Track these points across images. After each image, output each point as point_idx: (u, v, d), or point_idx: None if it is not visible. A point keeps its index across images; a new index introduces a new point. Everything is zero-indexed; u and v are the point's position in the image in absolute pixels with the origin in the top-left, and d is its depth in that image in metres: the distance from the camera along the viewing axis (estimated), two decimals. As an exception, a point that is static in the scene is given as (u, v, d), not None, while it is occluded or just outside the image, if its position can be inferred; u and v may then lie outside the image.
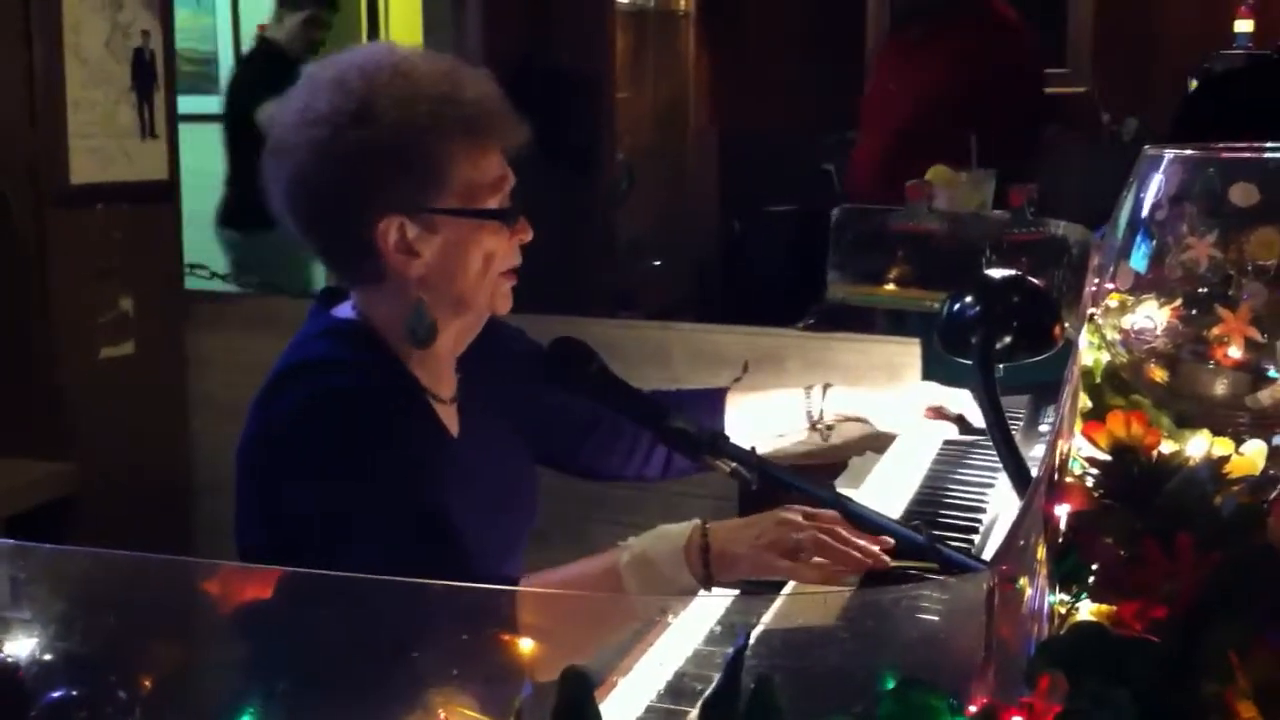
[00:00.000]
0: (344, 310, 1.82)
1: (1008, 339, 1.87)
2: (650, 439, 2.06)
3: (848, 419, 2.12)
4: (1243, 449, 1.40)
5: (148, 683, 0.91)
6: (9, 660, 0.91)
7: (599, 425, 2.07)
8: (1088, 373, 1.57)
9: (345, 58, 1.77)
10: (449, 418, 1.84)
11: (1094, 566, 1.11)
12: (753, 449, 1.69)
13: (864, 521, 1.58)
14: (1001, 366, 1.87)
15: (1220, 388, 1.46)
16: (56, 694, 0.91)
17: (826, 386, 2.12)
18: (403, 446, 1.70)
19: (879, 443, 2.21)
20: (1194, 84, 4.65)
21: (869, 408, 2.11)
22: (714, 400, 2.15)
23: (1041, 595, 1.03)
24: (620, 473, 2.11)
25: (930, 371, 2.72)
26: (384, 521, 1.65)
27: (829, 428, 2.11)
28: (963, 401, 2.14)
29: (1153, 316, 1.49)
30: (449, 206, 1.72)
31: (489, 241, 1.75)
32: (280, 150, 1.74)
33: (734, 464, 1.68)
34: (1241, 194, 1.43)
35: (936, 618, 0.88)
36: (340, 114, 1.70)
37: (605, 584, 1.61)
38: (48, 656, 0.91)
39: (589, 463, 2.10)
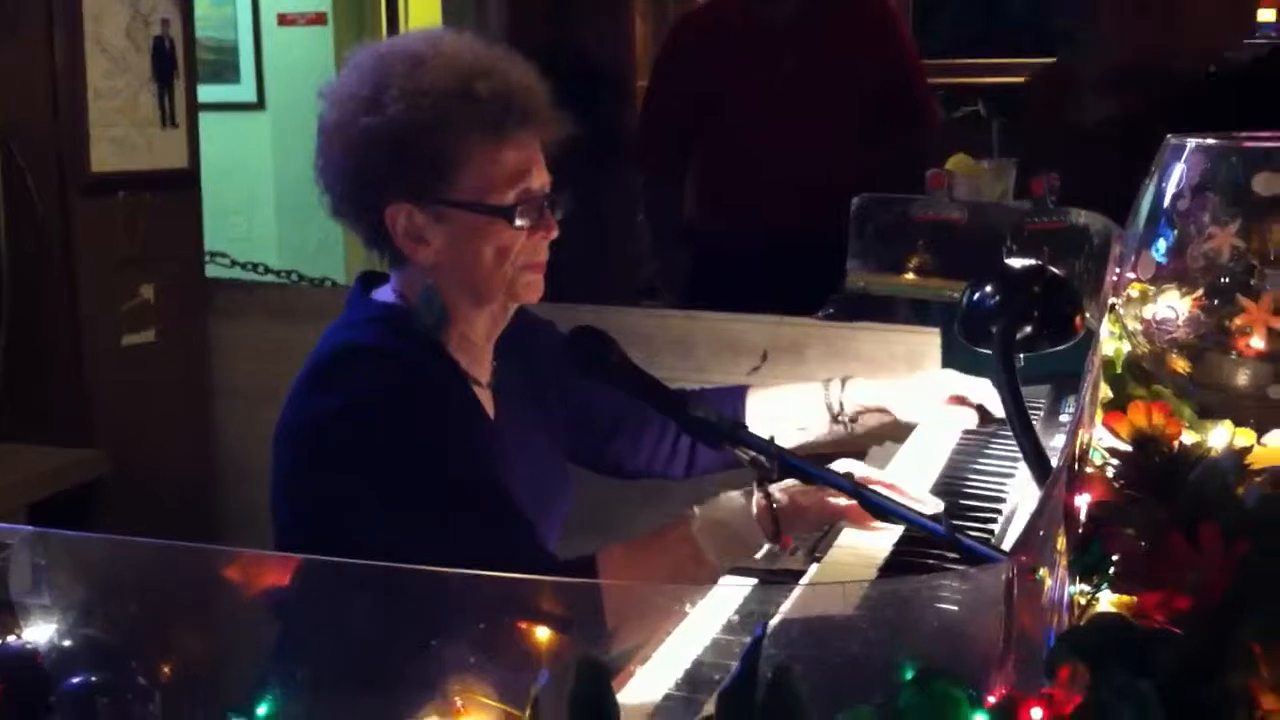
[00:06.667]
0: (384, 293, 1.83)
1: (1028, 329, 1.86)
2: (673, 440, 2.08)
3: (869, 410, 2.11)
4: (1265, 439, 1.39)
5: (168, 669, 0.91)
6: (29, 646, 0.92)
7: (625, 424, 2.08)
8: (1109, 363, 1.57)
9: (381, 44, 1.81)
10: (486, 401, 1.85)
11: (1115, 557, 1.11)
12: (771, 439, 1.69)
13: (882, 510, 1.58)
14: (1022, 356, 1.86)
15: (1242, 378, 1.45)
16: (77, 680, 0.91)
17: (845, 379, 2.11)
18: (451, 432, 1.72)
19: (899, 432, 2.20)
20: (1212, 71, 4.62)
21: (889, 398, 2.11)
22: (735, 397, 2.15)
23: (1062, 586, 1.02)
24: (646, 471, 2.12)
25: (950, 361, 2.70)
26: (446, 506, 1.66)
27: (852, 420, 2.10)
28: (983, 391, 2.13)
29: (1174, 306, 1.48)
30: (456, 199, 1.73)
31: (501, 236, 1.75)
32: (319, 128, 1.78)
33: (753, 453, 1.67)
34: (1264, 183, 1.42)
35: (956, 608, 0.88)
36: (355, 100, 1.73)
37: (680, 549, 1.64)
38: (68, 643, 0.92)
39: (615, 460, 2.11)
